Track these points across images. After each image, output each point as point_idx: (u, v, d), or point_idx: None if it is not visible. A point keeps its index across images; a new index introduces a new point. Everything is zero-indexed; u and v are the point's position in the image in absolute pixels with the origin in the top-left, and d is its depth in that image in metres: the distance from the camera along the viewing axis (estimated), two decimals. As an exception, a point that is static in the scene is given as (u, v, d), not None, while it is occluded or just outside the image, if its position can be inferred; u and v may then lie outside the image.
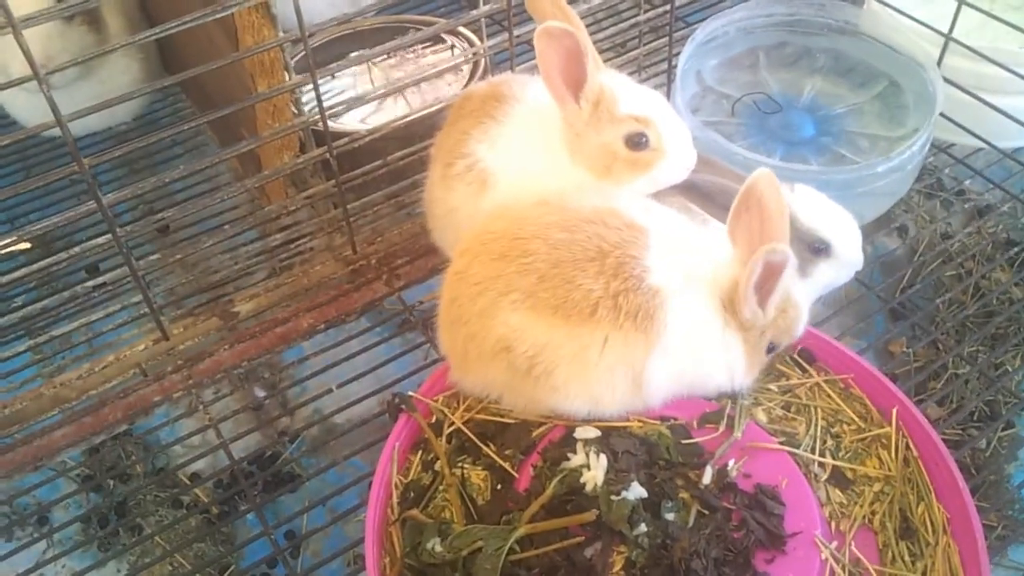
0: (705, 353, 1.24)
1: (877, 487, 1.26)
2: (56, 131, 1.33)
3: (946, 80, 1.89)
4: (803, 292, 1.29)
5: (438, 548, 1.15)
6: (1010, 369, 1.92)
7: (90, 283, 1.67)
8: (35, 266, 1.53)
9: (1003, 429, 1.84)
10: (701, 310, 1.22)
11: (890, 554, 1.19)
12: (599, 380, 1.22)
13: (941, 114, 1.86)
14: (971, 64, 1.96)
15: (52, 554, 1.67)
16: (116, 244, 1.50)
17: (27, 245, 2.08)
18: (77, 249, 1.54)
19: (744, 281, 1.17)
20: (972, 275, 2.04)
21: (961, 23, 1.95)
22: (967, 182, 2.16)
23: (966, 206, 2.19)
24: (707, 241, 1.28)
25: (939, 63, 1.97)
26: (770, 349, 1.29)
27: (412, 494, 1.27)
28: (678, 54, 1.97)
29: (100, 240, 1.53)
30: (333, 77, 2.14)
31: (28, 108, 2.15)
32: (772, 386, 1.38)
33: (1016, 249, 2.07)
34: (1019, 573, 1.60)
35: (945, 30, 1.96)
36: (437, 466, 1.30)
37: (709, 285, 1.23)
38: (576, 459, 1.22)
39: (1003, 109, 1.92)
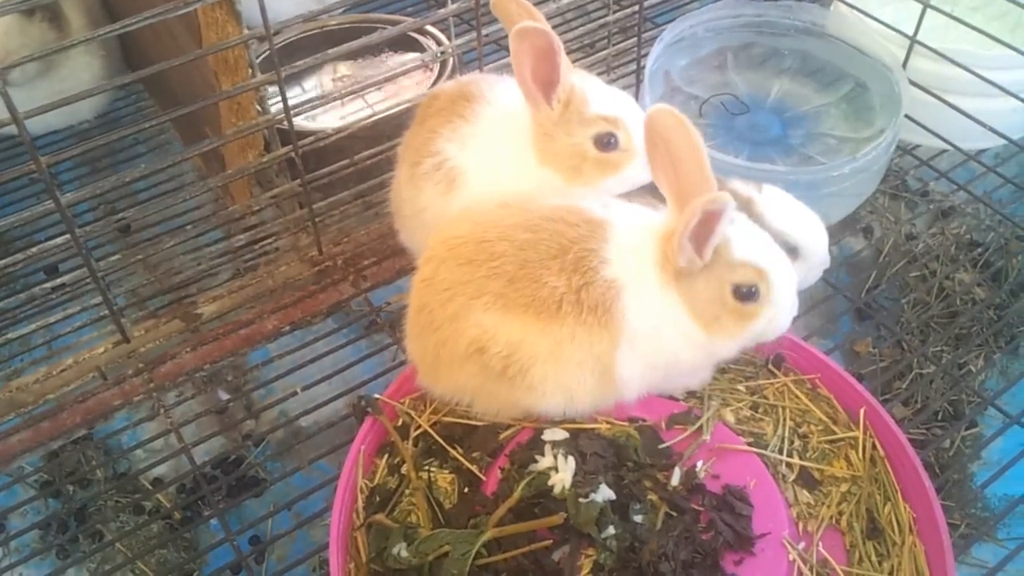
0: (660, 330, 1.20)
1: (844, 487, 1.26)
2: (14, 129, 1.30)
3: (911, 82, 1.91)
4: (739, 227, 1.20)
5: (404, 553, 1.14)
6: (973, 369, 1.94)
7: (49, 284, 1.64)
8: (-9, 266, 1.49)
9: (966, 429, 1.86)
10: (649, 288, 1.19)
11: (857, 554, 1.19)
12: (572, 376, 1.22)
13: (906, 116, 1.88)
14: (936, 66, 1.98)
15: (8, 562, 1.63)
16: (75, 244, 1.47)
17: (-16, 245, 2.04)
18: (35, 249, 1.50)
19: (680, 231, 1.11)
20: (936, 276, 2.06)
21: (926, 26, 1.97)
22: (931, 183, 2.19)
23: (930, 207, 2.22)
24: (658, 221, 1.22)
25: (904, 65, 1.99)
26: (744, 294, 1.18)
27: (378, 498, 1.26)
28: (647, 54, 1.97)
29: (59, 240, 1.50)
30: (299, 77, 2.11)
31: (-15, 105, 2.11)
32: (740, 387, 1.38)
33: (979, 250, 2.10)
34: (983, 571, 1.61)
35: (911, 32, 1.98)
36: (403, 469, 1.28)
37: (652, 260, 1.19)
38: (544, 461, 1.21)
39: (966, 111, 1.94)
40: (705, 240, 1.15)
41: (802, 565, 1.15)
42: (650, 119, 1.14)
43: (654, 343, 1.22)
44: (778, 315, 1.22)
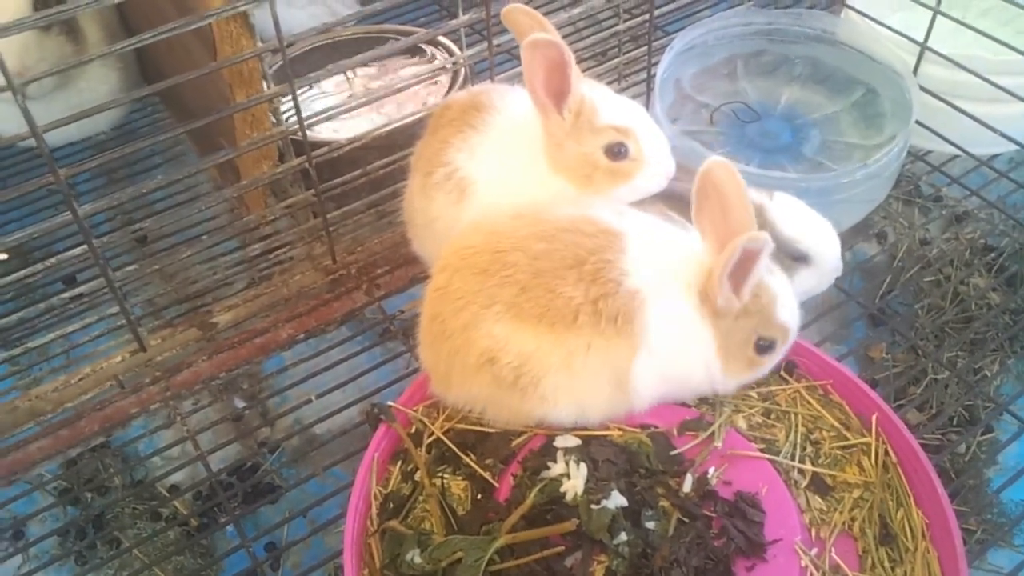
0: (684, 351, 1.24)
1: (857, 493, 1.26)
2: (33, 141, 1.32)
3: (922, 88, 1.91)
4: (783, 285, 1.25)
5: (417, 559, 1.15)
6: (988, 374, 1.93)
7: (67, 294, 1.66)
8: (11, 277, 1.51)
9: (982, 434, 1.85)
10: (679, 308, 1.22)
11: (870, 560, 1.19)
12: (585, 387, 1.23)
13: (917, 121, 1.88)
14: (946, 72, 1.98)
15: (28, 568, 1.65)
16: (93, 255, 1.49)
17: (3, 256, 2.06)
18: (54, 260, 1.52)
19: (720, 268, 1.15)
20: (950, 281, 2.05)
21: (937, 31, 1.97)
22: (944, 189, 2.18)
23: (944, 212, 2.21)
24: (681, 239, 1.27)
25: (915, 71, 1.99)
26: (764, 348, 1.25)
27: (392, 505, 1.26)
28: (657, 63, 1.98)
29: (77, 251, 1.52)
30: (311, 87, 2.13)
31: (4, 118, 2.13)
32: (752, 393, 1.38)
33: (993, 255, 2.09)
34: (998, 577, 1.61)
35: (921, 39, 1.98)
36: (417, 476, 1.29)
37: (684, 281, 1.22)
38: (556, 468, 1.21)
39: (978, 117, 1.93)
40: (742, 281, 1.18)
41: (814, 571, 1.16)
42: (706, 171, 1.18)
43: (673, 357, 1.24)
44: (772, 364, 1.29)
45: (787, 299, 1.25)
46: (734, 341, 1.24)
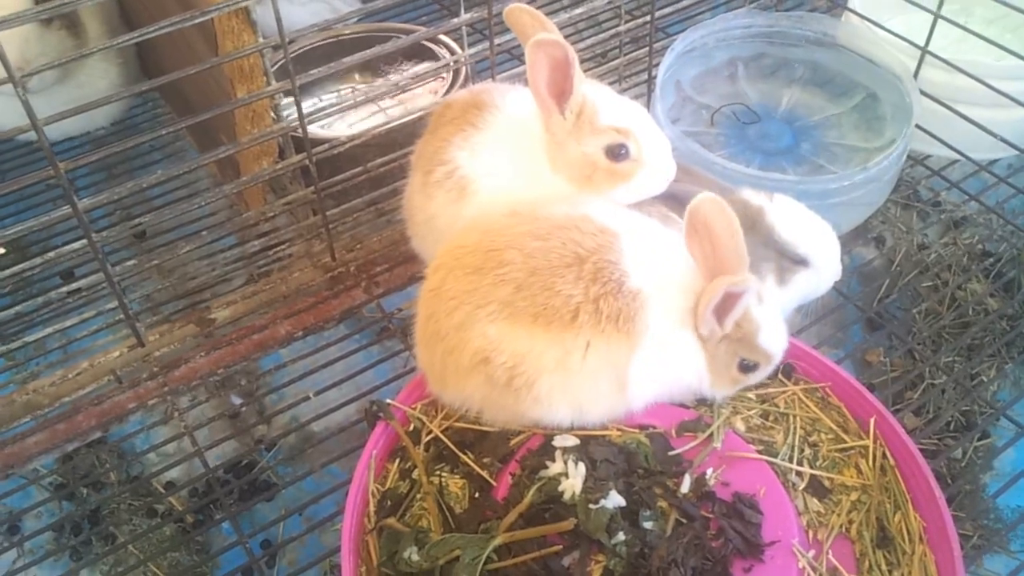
0: (678, 356, 1.25)
1: (854, 496, 1.26)
2: (33, 135, 1.31)
3: (922, 92, 1.91)
4: (770, 314, 1.27)
5: (415, 557, 1.15)
6: (985, 379, 1.93)
7: (65, 289, 1.65)
8: (9, 271, 1.51)
9: (979, 439, 1.85)
10: (676, 312, 1.23)
11: (867, 563, 1.19)
12: (583, 387, 1.22)
13: (917, 126, 1.88)
14: (947, 76, 1.98)
15: (23, 563, 1.64)
16: (92, 249, 1.49)
17: (1, 250, 2.06)
18: (52, 254, 1.52)
19: (703, 305, 1.18)
20: (948, 286, 2.05)
21: (937, 36, 1.98)
22: (943, 193, 2.18)
23: (942, 217, 2.21)
24: (678, 243, 1.26)
25: (916, 75, 1.99)
26: (747, 367, 1.27)
27: (389, 503, 1.26)
28: (658, 64, 1.98)
29: (76, 245, 1.52)
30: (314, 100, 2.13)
31: (4, 111, 2.13)
32: (751, 395, 1.38)
33: (991, 260, 2.09)
34: (994, 582, 1.61)
35: (922, 43, 1.99)
36: (415, 474, 1.29)
37: (682, 288, 1.23)
38: (555, 467, 1.21)
39: (978, 122, 1.94)
40: (727, 313, 1.20)
41: (812, 573, 1.16)
42: (694, 208, 1.17)
43: (668, 360, 1.25)
44: (756, 380, 1.32)
45: (771, 327, 1.26)
46: (719, 362, 1.26)
